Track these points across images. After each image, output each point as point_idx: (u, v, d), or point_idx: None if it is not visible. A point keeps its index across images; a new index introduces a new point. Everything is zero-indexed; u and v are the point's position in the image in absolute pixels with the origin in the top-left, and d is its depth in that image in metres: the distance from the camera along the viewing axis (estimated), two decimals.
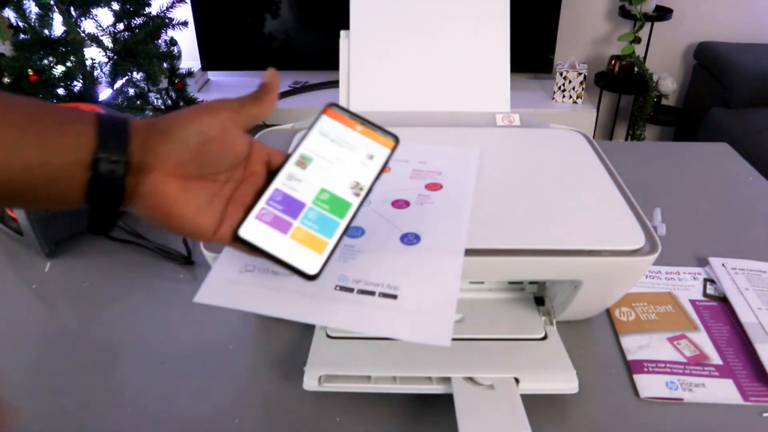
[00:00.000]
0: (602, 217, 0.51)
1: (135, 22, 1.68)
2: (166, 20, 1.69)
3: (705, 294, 0.65)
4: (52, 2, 1.45)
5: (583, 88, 2.18)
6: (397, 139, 0.42)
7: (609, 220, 0.50)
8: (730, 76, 2.03)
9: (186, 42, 2.16)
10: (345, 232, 0.39)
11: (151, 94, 1.76)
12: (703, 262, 0.70)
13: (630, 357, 0.56)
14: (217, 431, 0.50)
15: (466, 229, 0.47)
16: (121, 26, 1.66)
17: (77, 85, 1.57)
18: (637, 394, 0.52)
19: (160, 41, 1.72)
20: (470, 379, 0.49)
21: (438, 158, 0.58)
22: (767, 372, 0.53)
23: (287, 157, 0.40)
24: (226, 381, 0.54)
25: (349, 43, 0.72)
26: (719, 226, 0.78)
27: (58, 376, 0.55)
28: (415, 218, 0.48)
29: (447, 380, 0.49)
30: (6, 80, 1.42)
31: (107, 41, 1.60)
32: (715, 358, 0.56)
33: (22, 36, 1.48)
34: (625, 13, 2.19)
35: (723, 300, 0.63)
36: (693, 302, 0.63)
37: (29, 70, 1.44)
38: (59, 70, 1.51)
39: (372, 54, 0.72)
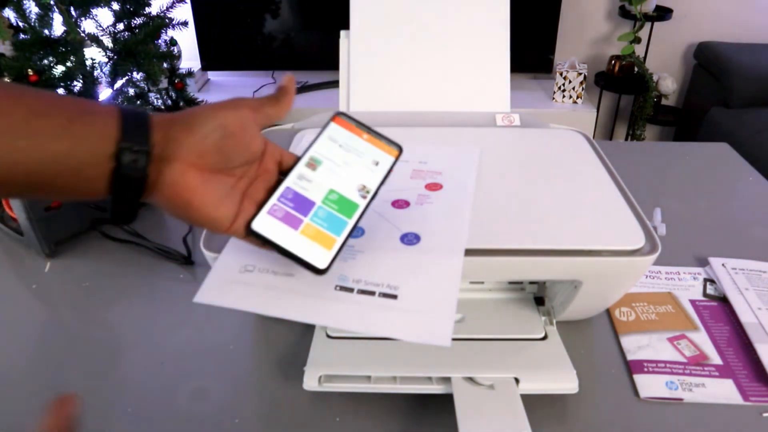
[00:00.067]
0: (602, 217, 0.51)
1: (135, 22, 1.68)
2: (166, 20, 1.69)
3: (705, 294, 0.65)
4: (52, 2, 1.45)
5: (583, 88, 2.18)
6: (400, 149, 0.44)
7: (609, 220, 0.50)
8: (730, 76, 2.03)
9: (186, 42, 2.16)
10: (352, 231, 0.40)
11: (151, 94, 1.76)
12: (703, 262, 0.70)
13: (630, 357, 0.56)
14: (217, 431, 0.50)
15: (466, 229, 0.47)
16: (121, 26, 1.66)
17: (77, 85, 1.57)
18: (637, 394, 0.52)
19: (160, 41, 1.72)
20: (470, 379, 0.49)
21: (438, 158, 0.58)
22: (767, 372, 0.53)
23: (297, 158, 0.42)
24: (226, 381, 0.54)
25: (349, 43, 0.72)
26: (719, 226, 0.78)
27: (58, 376, 0.55)
28: (415, 218, 0.48)
29: (447, 380, 0.49)
30: (6, 80, 1.42)
31: (107, 41, 1.59)
32: (715, 358, 0.56)
33: (22, 36, 1.48)
34: (625, 13, 2.19)
35: (723, 300, 0.63)
36: (693, 302, 0.63)
37: (29, 70, 1.43)
38: (59, 70, 1.51)
39: (372, 54, 0.72)
